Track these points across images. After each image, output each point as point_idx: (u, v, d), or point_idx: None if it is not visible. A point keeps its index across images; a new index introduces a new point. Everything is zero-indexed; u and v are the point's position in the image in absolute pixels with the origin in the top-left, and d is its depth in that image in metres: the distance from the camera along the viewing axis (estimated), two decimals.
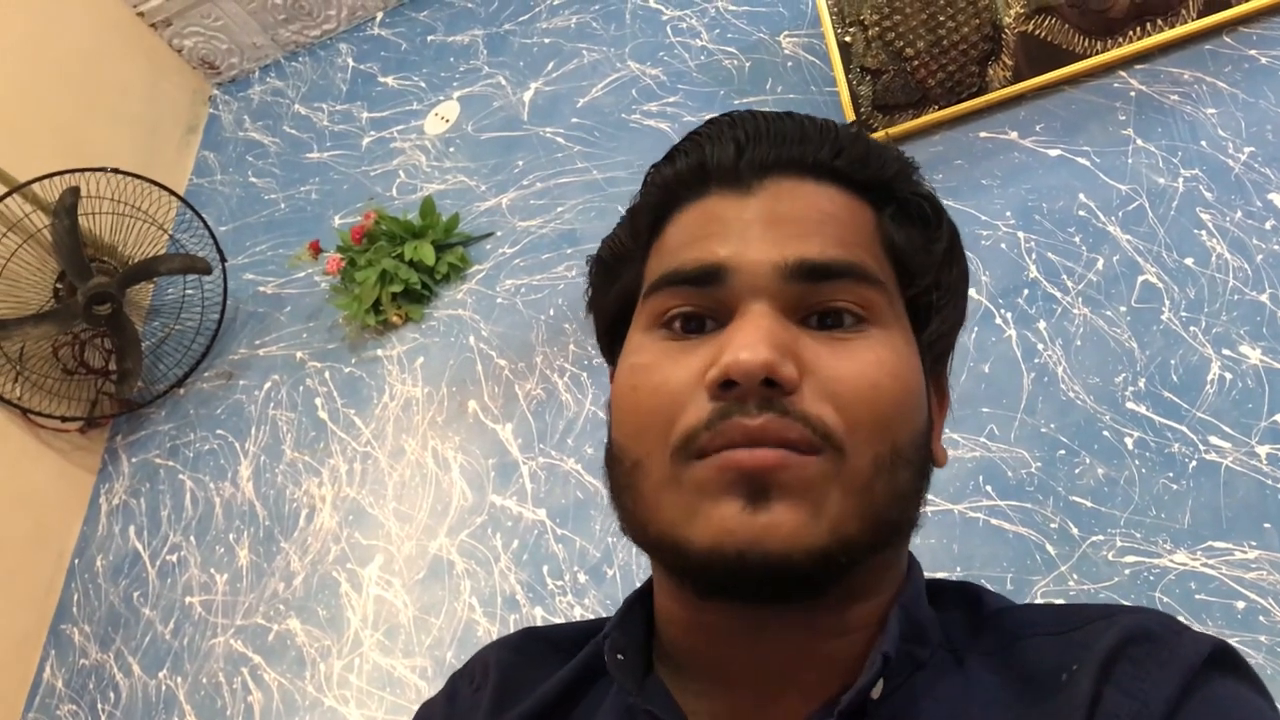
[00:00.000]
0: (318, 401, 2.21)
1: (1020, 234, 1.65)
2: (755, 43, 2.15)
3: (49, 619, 2.21)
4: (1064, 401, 1.49)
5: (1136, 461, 1.40)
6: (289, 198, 2.64)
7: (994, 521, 1.44)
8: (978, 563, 1.42)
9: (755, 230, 0.50)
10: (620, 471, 0.50)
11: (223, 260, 2.45)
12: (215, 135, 2.95)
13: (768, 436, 0.44)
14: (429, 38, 2.72)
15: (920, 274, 0.53)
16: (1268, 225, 1.49)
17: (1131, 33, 1.70)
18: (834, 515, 0.45)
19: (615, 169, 2.15)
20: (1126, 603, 1.29)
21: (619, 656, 0.52)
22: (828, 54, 1.88)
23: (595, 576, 1.69)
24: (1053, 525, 1.40)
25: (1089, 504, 1.40)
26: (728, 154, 0.52)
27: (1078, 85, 1.75)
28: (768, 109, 0.55)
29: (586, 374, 1.91)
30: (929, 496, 0.52)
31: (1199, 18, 1.66)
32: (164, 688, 1.96)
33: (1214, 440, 1.37)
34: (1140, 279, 1.54)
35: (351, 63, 2.84)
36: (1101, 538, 1.37)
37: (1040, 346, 1.54)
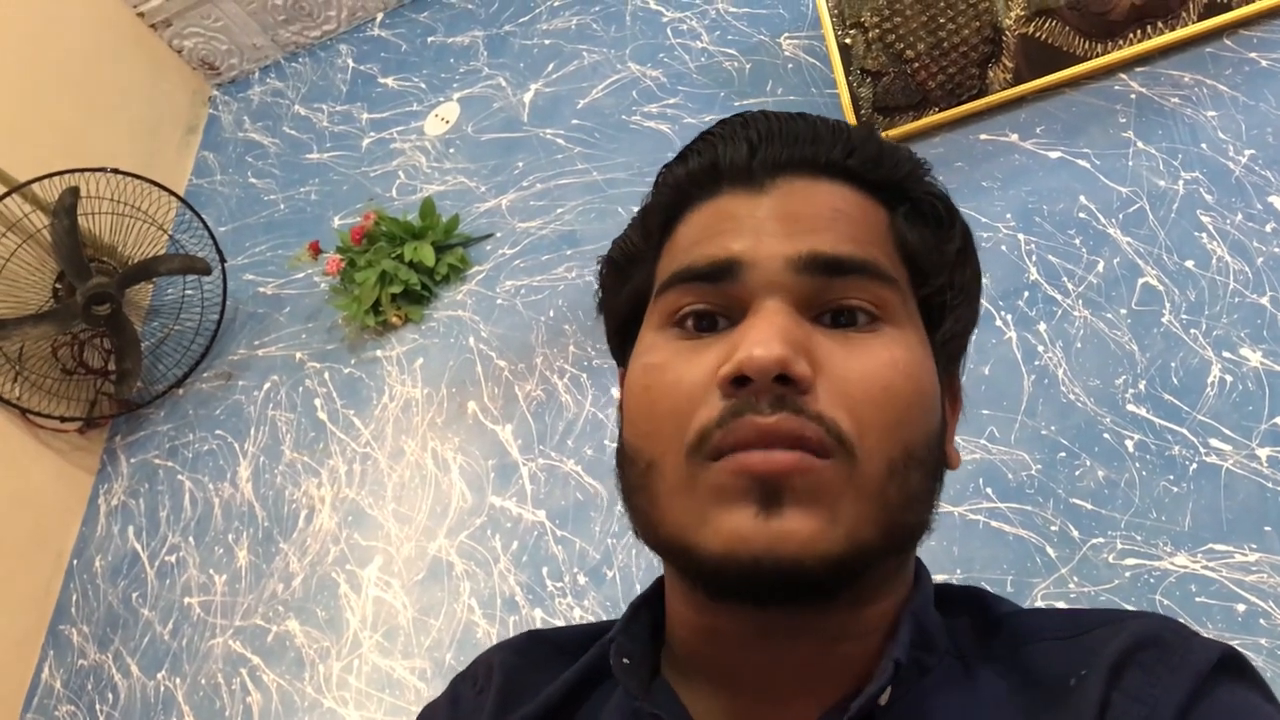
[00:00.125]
0: (317, 402, 2.20)
1: (1020, 236, 1.65)
2: (755, 44, 2.15)
3: (47, 619, 2.21)
4: (1064, 404, 1.49)
5: (1137, 464, 1.40)
6: (289, 198, 2.64)
7: (994, 524, 1.44)
8: (978, 565, 1.42)
9: (768, 226, 0.49)
10: (633, 473, 0.50)
11: (222, 261, 2.45)
12: (215, 136, 2.95)
13: (780, 435, 0.44)
14: (429, 39, 2.72)
15: (933, 274, 0.53)
16: (1268, 228, 1.49)
17: (1132, 35, 1.70)
18: (850, 521, 0.44)
19: (615, 170, 2.14)
20: (1128, 606, 1.29)
21: (624, 660, 0.52)
22: (828, 56, 1.88)
23: (595, 578, 1.69)
24: (1053, 528, 1.40)
25: (1089, 506, 1.40)
26: (741, 153, 0.52)
27: (1078, 88, 1.75)
28: (770, 110, 0.55)
29: (586, 375, 1.91)
30: None
31: (1199, 20, 1.66)
32: (163, 688, 1.96)
33: (1214, 443, 1.37)
34: (1141, 281, 1.53)
35: (351, 64, 2.84)
36: (1102, 540, 1.37)
37: (1041, 349, 1.54)
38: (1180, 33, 1.67)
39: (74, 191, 2.19)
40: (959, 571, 1.42)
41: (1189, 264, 1.52)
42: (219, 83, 3.08)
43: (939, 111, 1.80)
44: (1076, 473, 1.43)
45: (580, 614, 1.66)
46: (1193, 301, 1.48)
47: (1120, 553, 1.35)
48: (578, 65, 2.38)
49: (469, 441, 1.96)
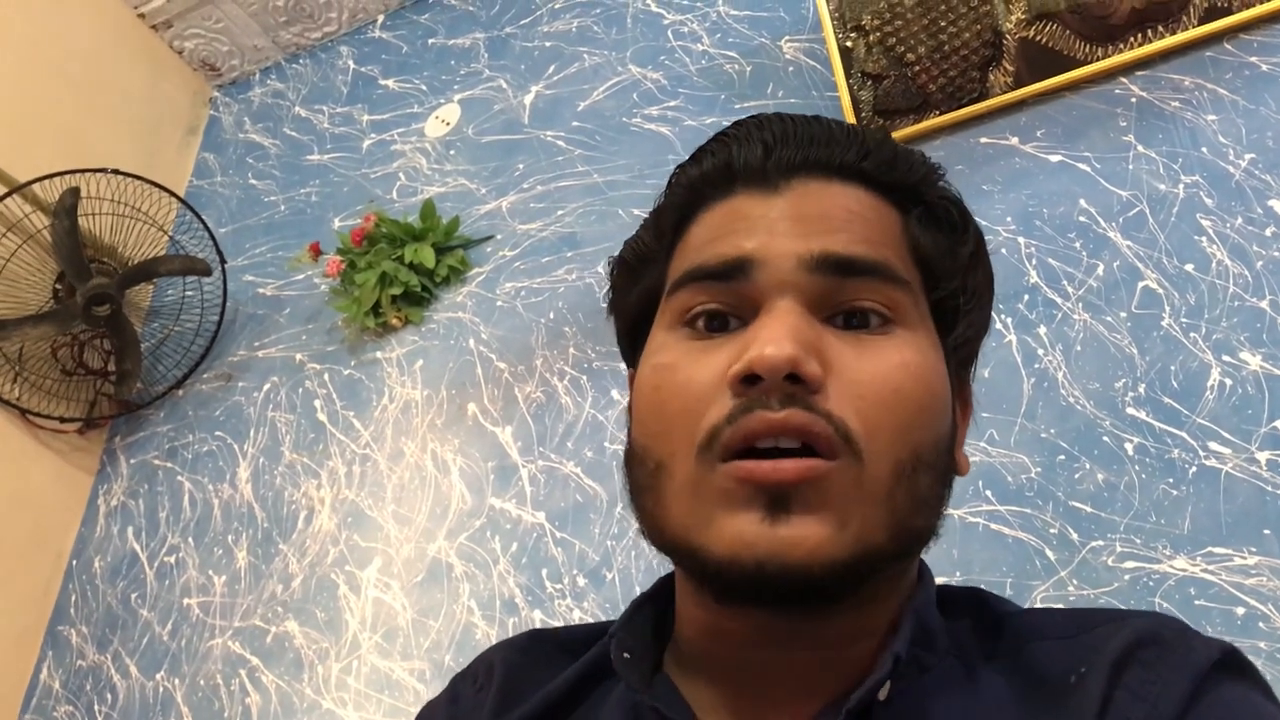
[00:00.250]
0: (317, 404, 2.20)
1: (1021, 239, 1.65)
2: (756, 47, 2.15)
3: (46, 620, 2.21)
4: (1064, 407, 1.49)
5: (1136, 467, 1.40)
6: (289, 200, 2.64)
7: (993, 526, 1.44)
8: (977, 568, 1.42)
9: (781, 226, 0.49)
10: (642, 473, 0.50)
11: (222, 262, 2.45)
12: (215, 137, 2.95)
13: (790, 429, 0.44)
14: (430, 41, 2.72)
15: (946, 277, 0.53)
16: (1268, 232, 1.50)
17: (1132, 39, 1.70)
18: (858, 526, 0.45)
19: (616, 172, 2.15)
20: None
21: (625, 654, 0.52)
22: (829, 59, 1.89)
23: (594, 580, 1.69)
24: (1052, 530, 1.40)
25: (1089, 509, 1.40)
26: (755, 154, 0.52)
27: (1079, 91, 1.75)
28: (785, 113, 0.55)
29: (586, 377, 1.91)
30: None
31: (1200, 24, 1.66)
32: (161, 689, 1.96)
33: (1214, 446, 1.37)
34: (1140, 285, 1.54)
35: (352, 65, 2.84)
36: (1101, 543, 1.37)
37: (1040, 352, 1.55)
38: (1180, 37, 1.67)
39: (74, 192, 2.19)
40: (958, 574, 1.42)
41: (1189, 268, 1.52)
42: (220, 84, 3.08)
43: (939, 115, 1.80)
44: (1076, 476, 1.43)
45: (579, 616, 1.66)
46: (1192, 305, 1.49)
47: (1120, 555, 1.35)
48: (578, 67, 2.38)
49: (469, 443, 1.96)
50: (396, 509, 1.96)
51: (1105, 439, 1.44)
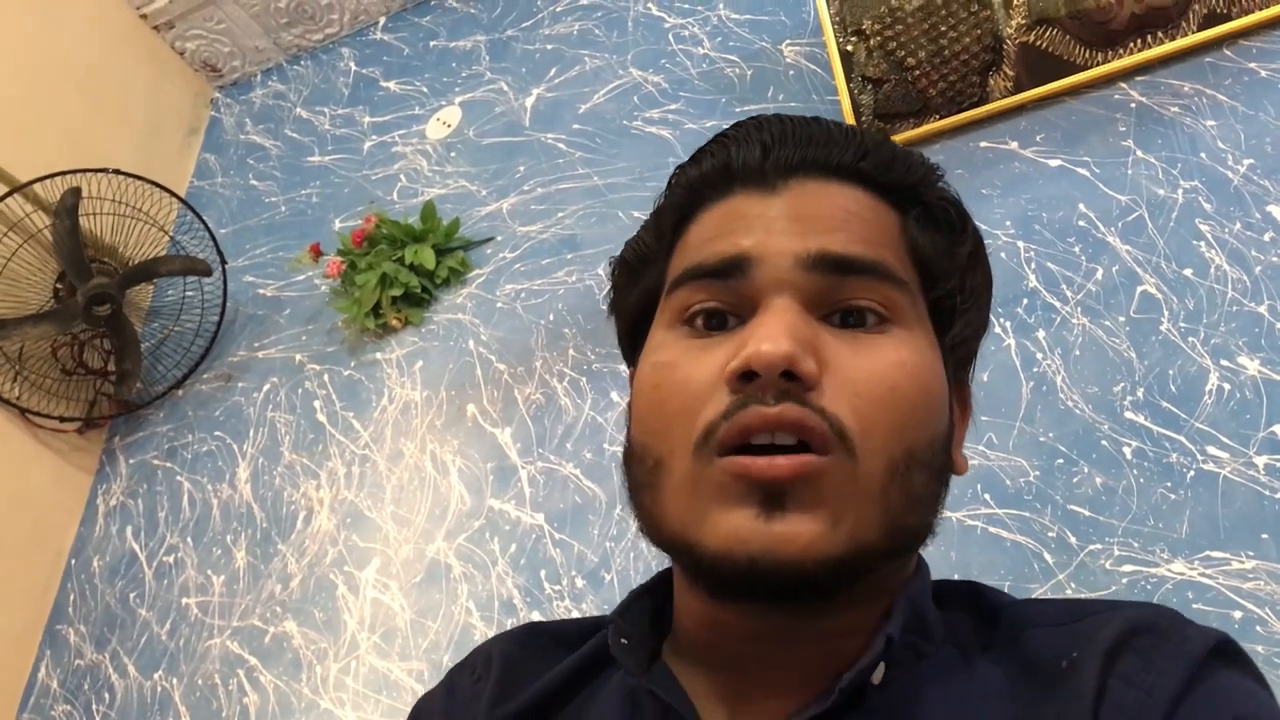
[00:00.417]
0: (316, 404, 2.21)
1: (1020, 243, 1.66)
2: (757, 51, 2.16)
3: (45, 619, 2.21)
4: (1062, 411, 1.49)
5: (1134, 471, 1.40)
6: (290, 201, 2.64)
7: (992, 530, 1.44)
8: (975, 570, 1.42)
9: (779, 225, 0.50)
10: (640, 470, 0.50)
11: (223, 262, 2.45)
12: (216, 138, 2.96)
13: (785, 423, 0.44)
14: (431, 43, 2.73)
15: (944, 277, 0.53)
16: (1266, 237, 1.50)
17: (1132, 45, 1.71)
18: (852, 523, 0.45)
19: (616, 175, 2.15)
20: None
21: (623, 641, 0.53)
22: (829, 63, 1.89)
23: (593, 581, 1.69)
24: (1050, 534, 1.41)
25: (1087, 513, 1.40)
26: (753, 155, 0.52)
27: (1078, 96, 1.76)
28: (783, 114, 0.55)
29: (585, 379, 1.92)
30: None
31: (1199, 30, 1.67)
32: (159, 689, 1.96)
33: (1212, 450, 1.38)
34: (1139, 289, 1.54)
35: (354, 67, 2.85)
36: (1099, 546, 1.37)
37: (1039, 356, 1.55)
38: (1180, 42, 1.68)
39: (75, 192, 2.19)
40: (956, 577, 1.42)
41: (1187, 272, 1.52)
42: (221, 85, 3.09)
43: (939, 119, 1.81)
44: (1074, 479, 1.43)
45: (578, 617, 1.66)
46: (1191, 310, 1.49)
47: (1117, 559, 1.35)
48: (579, 70, 2.39)
49: (468, 444, 1.97)
50: (395, 510, 1.96)
51: (1104, 443, 1.44)
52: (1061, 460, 1.45)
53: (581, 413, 1.88)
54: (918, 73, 1.80)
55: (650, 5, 2.39)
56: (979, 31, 1.76)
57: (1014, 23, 1.75)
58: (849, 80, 1.86)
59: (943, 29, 1.77)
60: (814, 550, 0.44)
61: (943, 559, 1.44)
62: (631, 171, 2.14)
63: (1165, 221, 1.58)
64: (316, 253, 2.30)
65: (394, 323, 2.19)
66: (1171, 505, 1.36)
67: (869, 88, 1.84)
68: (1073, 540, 1.39)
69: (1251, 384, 1.40)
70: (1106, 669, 0.45)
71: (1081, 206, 1.65)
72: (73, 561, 2.27)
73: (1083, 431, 1.46)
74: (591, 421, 1.86)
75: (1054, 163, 1.71)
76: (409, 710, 0.64)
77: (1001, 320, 1.60)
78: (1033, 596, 1.37)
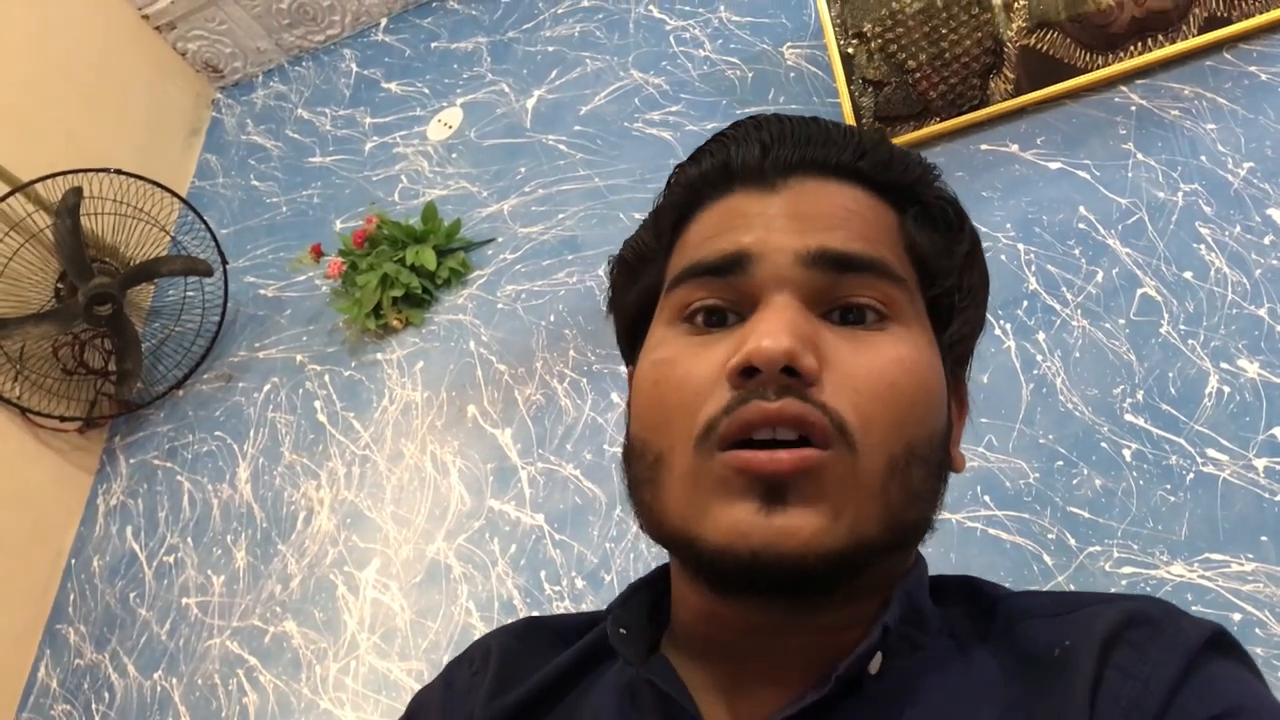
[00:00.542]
0: (317, 404, 2.21)
1: (1020, 246, 1.66)
2: (758, 53, 2.16)
3: (45, 618, 2.21)
4: (1062, 413, 1.49)
5: (1134, 473, 1.41)
6: (291, 201, 2.65)
7: (991, 531, 1.45)
8: (975, 572, 1.40)
9: (779, 223, 0.50)
10: (641, 466, 0.50)
11: (224, 263, 2.45)
12: (218, 138, 2.96)
13: (785, 418, 0.45)
14: (433, 44, 2.73)
15: (942, 276, 0.54)
16: (1266, 240, 1.50)
17: (1132, 48, 1.71)
18: (852, 518, 0.45)
19: (617, 176, 2.15)
20: None
21: (621, 631, 0.53)
22: (830, 65, 1.89)
23: (593, 582, 1.69)
24: (1050, 536, 1.41)
25: (1086, 515, 1.40)
26: (753, 154, 0.52)
27: (1078, 99, 1.76)
28: (782, 114, 0.55)
29: (586, 380, 1.92)
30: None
31: (1199, 34, 1.67)
32: (159, 689, 1.96)
33: (1211, 453, 1.38)
34: (1139, 292, 1.54)
35: (355, 68, 2.85)
36: (1099, 548, 1.37)
37: (1039, 358, 1.55)
38: (1180, 46, 1.68)
39: (77, 192, 2.20)
40: None
41: (1187, 275, 1.53)
42: (222, 85, 3.09)
43: (940, 121, 1.81)
44: (1074, 481, 1.43)
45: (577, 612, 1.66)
46: (1191, 312, 1.49)
47: (1117, 561, 1.36)
48: (581, 72, 2.39)
49: (468, 445, 1.97)
50: (395, 510, 1.96)
51: (1103, 445, 1.44)
52: (1061, 462, 1.46)
53: (582, 414, 1.88)
54: (918, 75, 1.80)
55: (651, 7, 2.40)
56: (979, 35, 1.76)
57: (1014, 26, 1.75)
58: (850, 83, 1.86)
59: (943, 32, 1.78)
60: (815, 544, 0.44)
61: (942, 560, 1.44)
62: (632, 173, 2.14)
63: (1165, 224, 1.58)
64: (317, 253, 2.30)
65: (395, 323, 2.20)
66: (1171, 507, 1.37)
67: (870, 90, 1.85)
68: (1072, 542, 1.39)
69: (1251, 387, 1.40)
70: (1102, 660, 0.45)
71: (1082, 209, 1.65)
72: (73, 561, 2.27)
73: (1082, 434, 1.46)
74: (592, 422, 1.86)
75: (1054, 165, 1.72)
76: None
77: (1002, 322, 1.60)
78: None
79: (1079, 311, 1.56)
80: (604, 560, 1.70)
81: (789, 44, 2.13)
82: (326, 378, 2.24)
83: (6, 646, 2.13)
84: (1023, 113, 1.79)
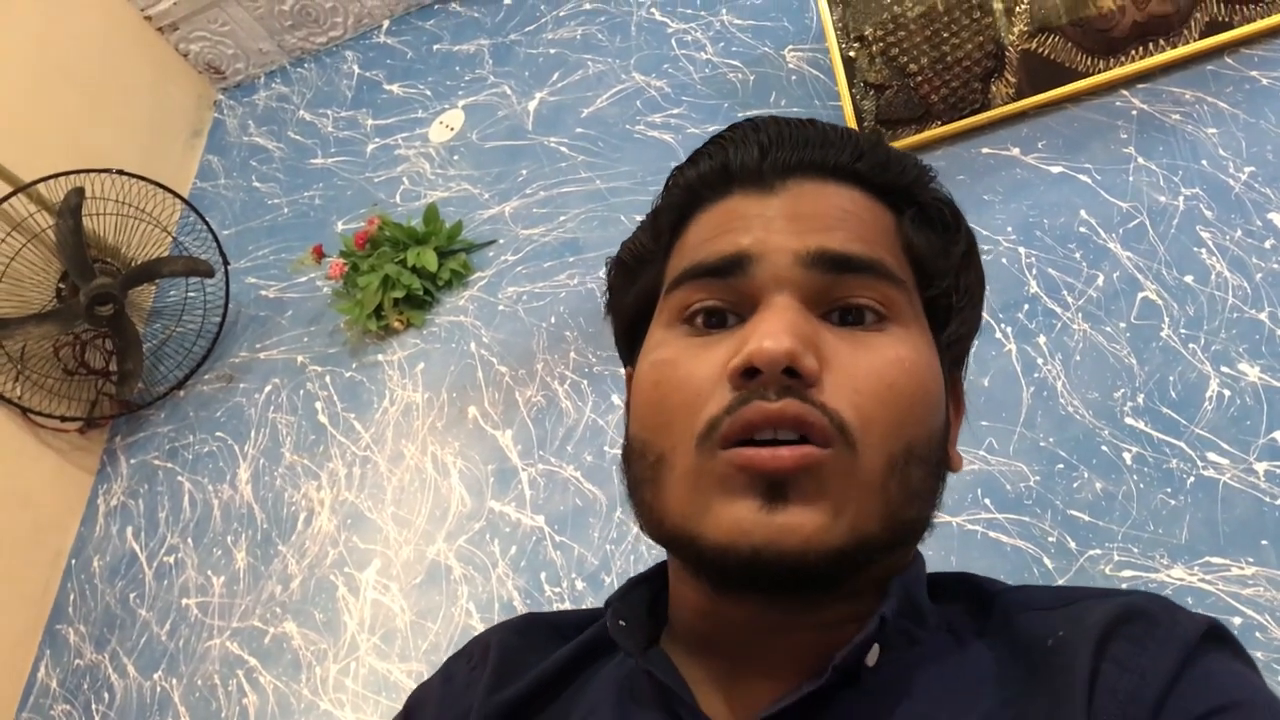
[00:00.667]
0: (318, 405, 2.21)
1: (1021, 249, 1.66)
2: (760, 56, 2.16)
3: (45, 619, 2.21)
4: (1063, 416, 1.49)
5: (1135, 477, 1.41)
6: (292, 202, 2.65)
7: (992, 534, 1.45)
8: None
9: (778, 224, 0.51)
10: (641, 466, 0.51)
11: (225, 263, 2.45)
12: (220, 139, 2.96)
13: (786, 419, 0.45)
14: (435, 46, 2.74)
15: (939, 276, 0.54)
16: (1267, 244, 1.50)
17: (1134, 52, 1.71)
18: (853, 515, 0.46)
19: (619, 179, 2.16)
20: None
21: (621, 623, 0.53)
22: (832, 68, 1.90)
23: (593, 584, 1.69)
24: (1050, 539, 1.41)
25: (1087, 518, 1.40)
26: (751, 156, 0.53)
27: (1080, 103, 1.76)
28: (780, 116, 0.56)
29: (587, 382, 1.92)
30: None
31: (1201, 38, 1.67)
32: (159, 689, 1.96)
33: (1212, 457, 1.38)
34: (1140, 296, 1.54)
35: (357, 70, 2.85)
36: (1099, 552, 1.37)
37: (1040, 361, 1.55)
38: (1182, 50, 1.68)
39: (79, 192, 2.20)
40: None
41: (1188, 279, 1.53)
42: (224, 87, 3.10)
43: (941, 125, 1.81)
44: (1074, 484, 1.44)
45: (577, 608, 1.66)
46: (1191, 316, 1.49)
47: (1117, 564, 1.36)
48: (582, 74, 2.39)
49: (469, 446, 1.97)
50: (396, 511, 1.96)
51: (1104, 448, 1.44)
52: (1062, 465, 1.46)
53: (582, 415, 1.88)
54: (920, 79, 1.81)
55: (653, 10, 2.40)
56: (981, 38, 1.77)
57: (1016, 30, 1.76)
58: (851, 86, 1.86)
59: (945, 36, 1.78)
60: (815, 541, 0.44)
61: (943, 563, 1.44)
62: (634, 175, 2.14)
63: (1166, 228, 1.58)
64: (319, 254, 2.30)
65: (396, 325, 2.20)
66: (1171, 511, 1.37)
67: (871, 93, 1.85)
68: (1072, 545, 1.39)
69: (1252, 390, 1.41)
70: (1099, 653, 0.45)
71: (1083, 213, 1.65)
72: (73, 561, 2.27)
73: (1083, 437, 1.47)
74: (592, 424, 1.87)
75: (1055, 169, 1.72)
76: None
77: (1002, 325, 1.60)
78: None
79: (1080, 315, 1.57)
80: (604, 562, 1.70)
81: (790, 47, 2.13)
82: (327, 379, 2.24)
83: (6, 647, 2.13)
84: (1024, 116, 1.79)
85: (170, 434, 2.37)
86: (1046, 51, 1.75)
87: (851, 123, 1.86)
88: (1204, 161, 1.61)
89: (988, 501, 1.47)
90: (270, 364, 2.35)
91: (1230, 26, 1.66)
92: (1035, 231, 1.67)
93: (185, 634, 2.01)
